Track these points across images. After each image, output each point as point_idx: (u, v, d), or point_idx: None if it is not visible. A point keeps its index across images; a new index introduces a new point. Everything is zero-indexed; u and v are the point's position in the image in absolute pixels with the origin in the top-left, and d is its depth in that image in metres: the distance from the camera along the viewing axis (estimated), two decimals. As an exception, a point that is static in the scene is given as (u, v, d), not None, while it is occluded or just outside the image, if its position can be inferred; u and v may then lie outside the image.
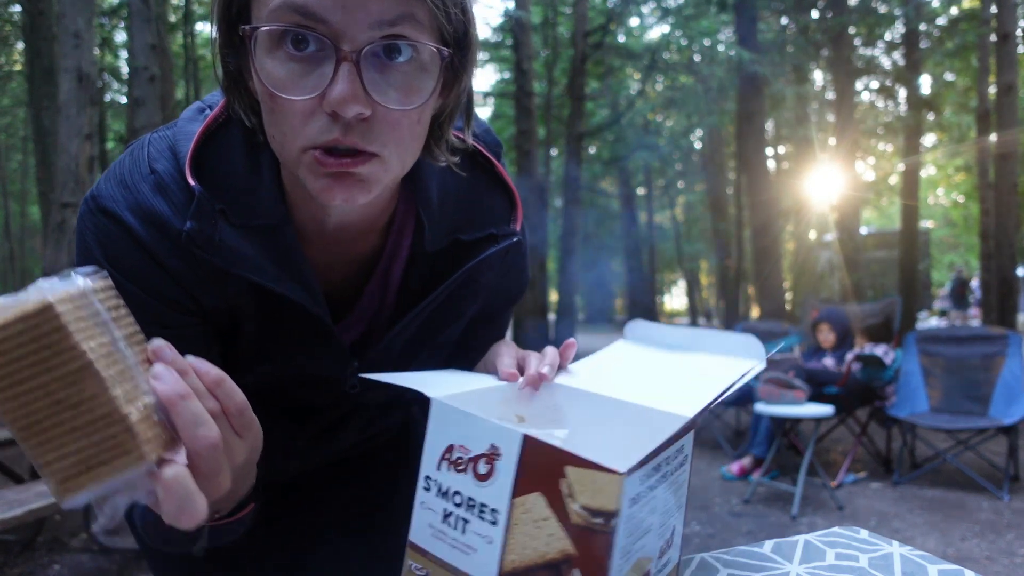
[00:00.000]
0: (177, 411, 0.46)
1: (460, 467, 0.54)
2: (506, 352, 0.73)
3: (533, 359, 0.70)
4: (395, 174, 0.62)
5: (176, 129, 0.67)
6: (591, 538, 0.48)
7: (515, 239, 0.79)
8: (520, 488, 0.51)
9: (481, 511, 0.53)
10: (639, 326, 0.81)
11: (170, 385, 0.47)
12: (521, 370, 0.71)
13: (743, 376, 0.66)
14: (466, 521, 0.54)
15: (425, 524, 0.56)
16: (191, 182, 0.63)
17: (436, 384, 0.63)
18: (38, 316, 0.41)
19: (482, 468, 0.53)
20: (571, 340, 0.73)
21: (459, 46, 0.62)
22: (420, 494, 0.57)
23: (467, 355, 0.89)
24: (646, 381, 0.71)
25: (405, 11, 0.55)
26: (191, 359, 0.50)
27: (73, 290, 0.43)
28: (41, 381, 0.41)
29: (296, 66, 0.56)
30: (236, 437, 0.53)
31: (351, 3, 0.54)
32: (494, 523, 0.52)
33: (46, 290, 0.42)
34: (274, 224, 0.66)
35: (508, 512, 0.51)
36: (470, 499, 0.53)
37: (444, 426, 0.56)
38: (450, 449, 0.55)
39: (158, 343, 0.49)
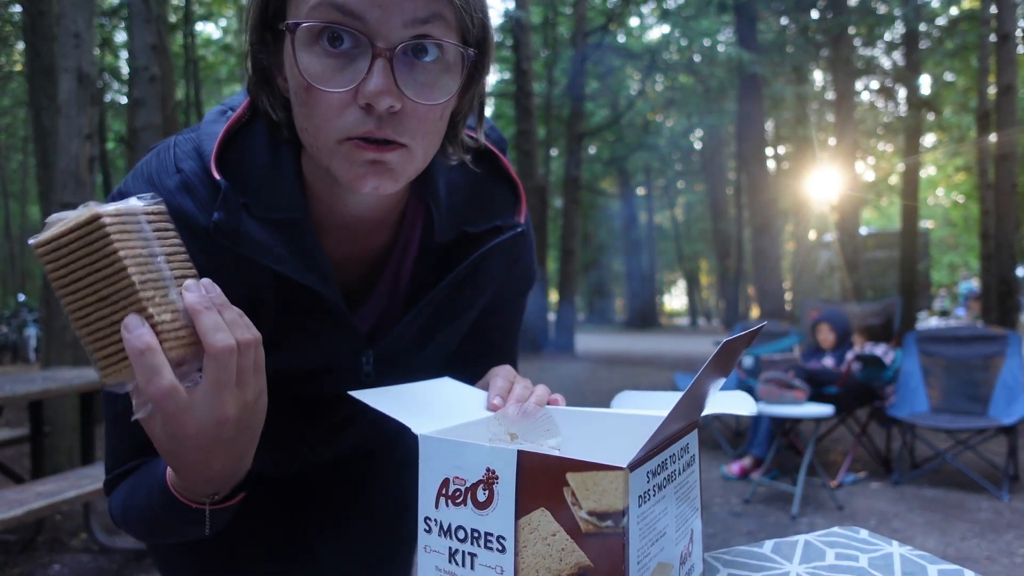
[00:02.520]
0: (200, 318, 0.54)
1: (458, 500, 0.52)
2: (501, 375, 0.75)
3: (520, 386, 0.72)
4: (418, 166, 0.66)
5: (200, 131, 0.71)
6: (604, 543, 0.47)
7: (519, 230, 0.82)
8: (523, 507, 0.49)
9: (487, 541, 0.51)
10: (626, 397, 0.79)
11: (196, 296, 0.54)
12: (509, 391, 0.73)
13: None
14: (473, 556, 0.52)
15: (431, 568, 0.54)
16: (216, 176, 0.66)
17: (423, 411, 0.62)
18: (88, 225, 0.50)
19: (481, 496, 0.51)
20: (557, 396, 0.74)
21: (479, 48, 0.66)
22: (422, 537, 0.55)
23: (479, 348, 0.91)
24: (635, 408, 0.71)
25: (436, 11, 0.59)
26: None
27: (123, 208, 0.52)
28: (90, 280, 0.51)
29: (332, 61, 0.59)
30: (250, 369, 0.57)
31: (387, 1, 0.58)
32: (502, 551, 0.50)
33: (99, 206, 0.51)
34: (294, 218, 0.69)
35: (515, 536, 0.50)
36: (474, 531, 0.52)
37: (435, 461, 0.54)
38: (445, 483, 0.53)
39: (204, 280, 0.56)
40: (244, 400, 0.57)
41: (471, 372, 0.85)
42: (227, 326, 0.55)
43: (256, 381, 0.58)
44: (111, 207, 0.52)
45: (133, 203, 0.53)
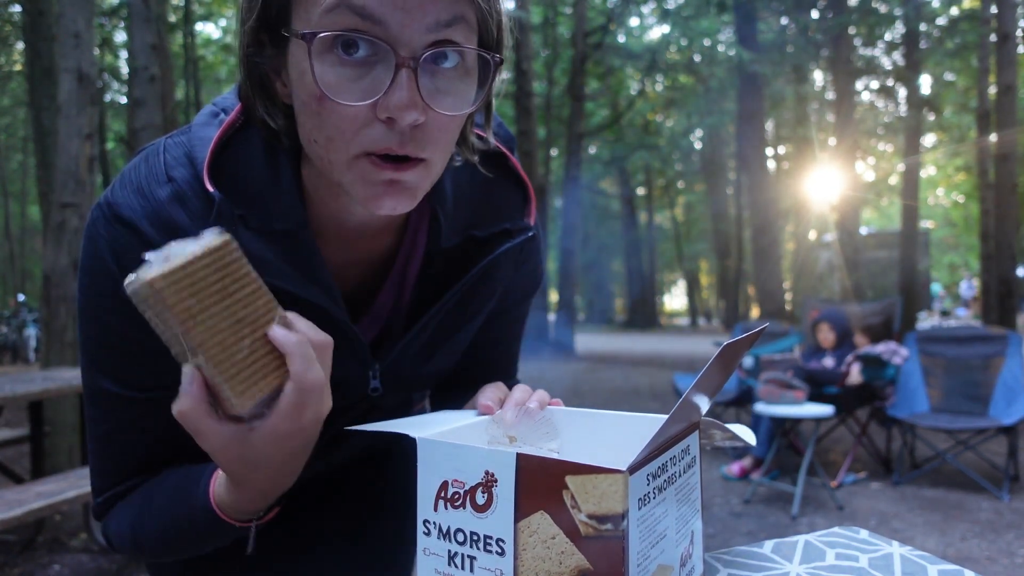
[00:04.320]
0: (293, 353, 0.55)
1: (457, 503, 0.52)
2: (490, 389, 0.73)
3: (519, 391, 0.71)
4: (434, 179, 0.63)
5: (191, 135, 0.67)
6: (604, 546, 0.47)
7: (530, 233, 0.79)
8: (523, 510, 0.49)
9: (487, 544, 0.51)
10: None
11: (283, 333, 0.55)
12: (501, 403, 0.71)
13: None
14: (472, 559, 0.52)
15: (431, 571, 0.54)
16: (210, 189, 0.63)
17: (421, 427, 0.63)
18: (221, 249, 0.51)
19: (480, 499, 0.51)
20: (557, 400, 0.73)
21: (498, 50, 0.63)
22: (421, 540, 0.55)
23: (483, 350, 0.89)
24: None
25: (459, 13, 0.56)
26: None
27: (191, 254, 0.51)
28: (226, 304, 0.51)
29: (347, 70, 0.55)
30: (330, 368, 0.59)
31: (410, 4, 0.54)
32: (501, 553, 0.50)
33: (221, 233, 0.53)
34: (293, 228, 0.66)
35: (514, 539, 0.50)
36: (473, 534, 0.52)
37: (434, 464, 0.54)
38: (444, 486, 0.53)
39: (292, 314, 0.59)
40: (330, 398, 0.58)
41: (473, 375, 0.83)
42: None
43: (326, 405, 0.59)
44: (226, 235, 0.53)
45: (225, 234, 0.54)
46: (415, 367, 0.79)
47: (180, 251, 0.50)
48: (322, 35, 0.54)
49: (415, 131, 0.57)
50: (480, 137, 0.74)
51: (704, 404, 0.60)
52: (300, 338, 0.54)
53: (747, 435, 0.68)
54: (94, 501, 0.72)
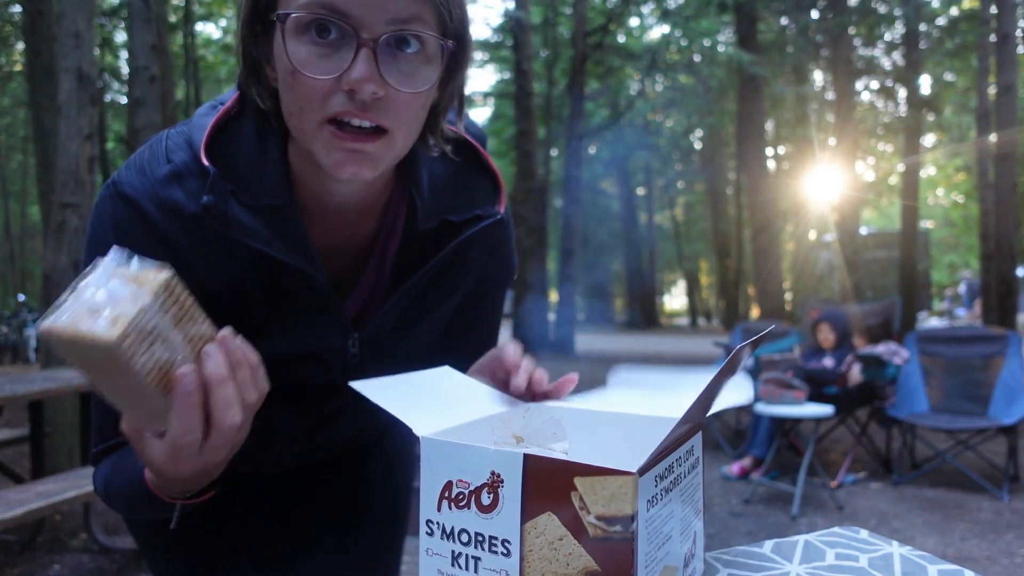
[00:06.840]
0: (215, 392, 0.56)
1: (462, 503, 0.52)
2: (513, 351, 0.77)
3: (540, 371, 0.75)
4: (397, 153, 0.69)
5: (191, 124, 0.74)
6: (613, 548, 0.47)
7: (498, 217, 0.86)
8: (529, 512, 0.49)
9: (492, 545, 0.50)
10: (623, 370, 0.80)
11: (214, 367, 0.56)
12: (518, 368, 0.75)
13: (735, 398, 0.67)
14: (477, 559, 0.51)
15: (434, 571, 0.54)
16: (206, 163, 0.69)
17: (424, 407, 0.62)
18: (170, 284, 0.53)
19: (485, 499, 0.51)
20: (572, 375, 0.77)
21: (458, 42, 0.70)
22: (423, 540, 0.54)
23: (461, 336, 0.94)
24: (639, 402, 0.71)
25: (416, 12, 0.64)
26: (241, 343, 0.58)
27: (141, 305, 0.51)
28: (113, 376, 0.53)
29: (318, 49, 0.63)
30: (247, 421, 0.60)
31: (372, 1, 0.62)
32: (507, 555, 0.50)
33: (163, 269, 0.53)
34: (280, 204, 0.72)
35: (520, 540, 0.49)
36: (478, 534, 0.51)
37: (438, 463, 0.53)
38: (448, 486, 0.53)
39: (225, 331, 0.58)
40: (238, 440, 0.61)
41: (453, 359, 0.87)
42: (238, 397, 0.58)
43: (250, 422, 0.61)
44: (128, 315, 0.51)
45: (146, 298, 0.52)
46: (393, 339, 0.84)
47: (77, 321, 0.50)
48: (294, 15, 0.63)
49: (376, 102, 0.64)
50: (452, 130, 0.81)
51: (711, 405, 0.60)
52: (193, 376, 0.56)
53: (742, 391, 0.68)
54: (91, 451, 0.79)
